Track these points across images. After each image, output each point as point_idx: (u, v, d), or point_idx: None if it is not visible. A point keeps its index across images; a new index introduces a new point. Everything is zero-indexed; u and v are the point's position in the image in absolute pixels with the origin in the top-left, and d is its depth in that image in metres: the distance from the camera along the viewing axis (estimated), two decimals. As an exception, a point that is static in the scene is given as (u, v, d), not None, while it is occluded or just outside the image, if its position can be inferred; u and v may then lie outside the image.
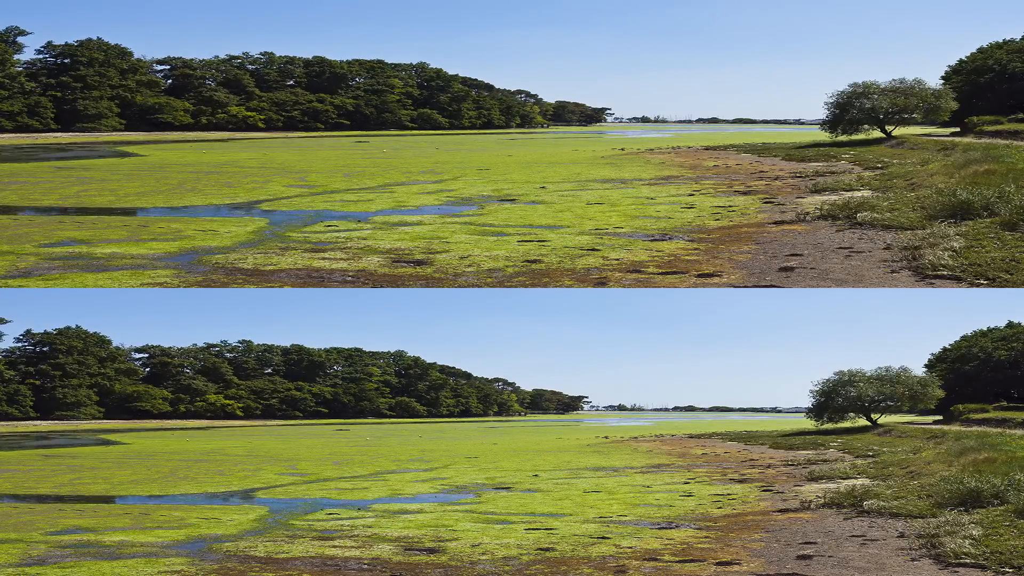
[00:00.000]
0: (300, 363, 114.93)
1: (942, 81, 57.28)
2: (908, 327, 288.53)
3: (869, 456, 28.30)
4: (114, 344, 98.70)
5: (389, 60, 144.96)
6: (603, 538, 13.97)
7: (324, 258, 16.72)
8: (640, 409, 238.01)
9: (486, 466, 29.78)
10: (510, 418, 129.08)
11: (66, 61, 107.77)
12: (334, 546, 13.59)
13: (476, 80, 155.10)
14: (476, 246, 17.81)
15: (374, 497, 20.74)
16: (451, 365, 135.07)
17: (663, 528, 14.93)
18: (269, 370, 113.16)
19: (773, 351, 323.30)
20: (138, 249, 17.76)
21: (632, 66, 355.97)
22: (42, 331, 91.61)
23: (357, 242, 18.56)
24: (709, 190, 27.68)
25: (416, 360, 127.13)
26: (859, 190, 24.90)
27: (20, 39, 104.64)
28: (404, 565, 12.06)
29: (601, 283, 14.37)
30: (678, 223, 20.34)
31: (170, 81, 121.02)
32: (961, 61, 58.40)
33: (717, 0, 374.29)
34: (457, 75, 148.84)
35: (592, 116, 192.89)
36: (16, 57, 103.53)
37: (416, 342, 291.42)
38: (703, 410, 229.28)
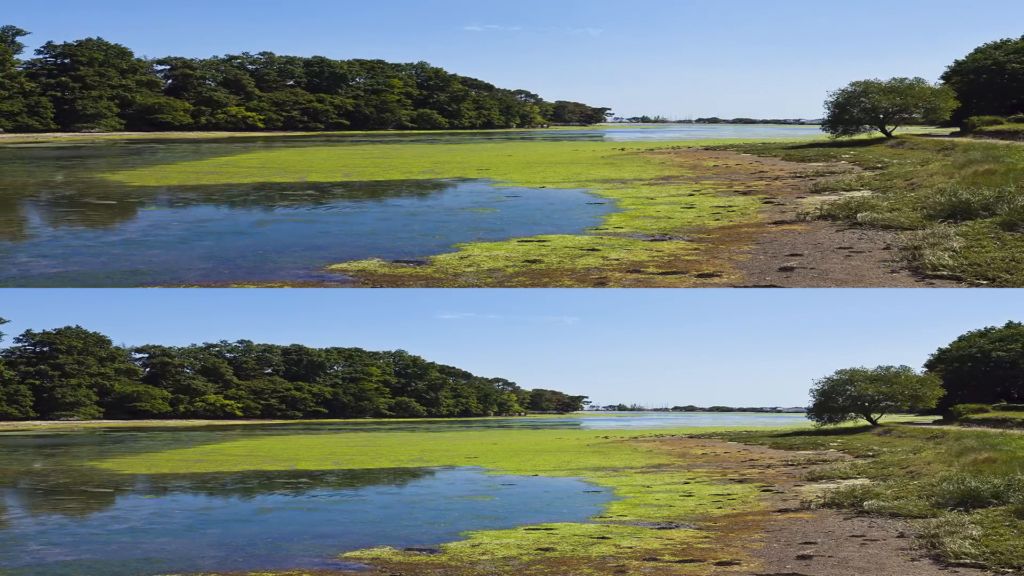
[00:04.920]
0: (300, 363, 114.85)
1: (942, 81, 57.29)
2: (908, 327, 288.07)
3: (869, 456, 28.30)
4: (114, 344, 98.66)
5: (389, 60, 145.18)
6: (603, 538, 13.97)
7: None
8: (640, 409, 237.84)
9: (486, 466, 29.77)
10: (510, 418, 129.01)
11: (66, 61, 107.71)
12: (334, 544, 13.59)
13: (476, 80, 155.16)
14: (476, 246, 17.80)
15: (374, 497, 20.72)
16: (451, 365, 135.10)
17: (663, 528, 14.92)
18: (269, 370, 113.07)
19: (773, 351, 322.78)
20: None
21: (632, 66, 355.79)
22: (42, 331, 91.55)
23: (357, 242, 18.56)
24: (709, 190, 27.67)
25: (416, 360, 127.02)
26: (859, 190, 24.90)
27: (20, 39, 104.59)
28: (404, 565, 12.05)
29: (601, 283, 14.36)
30: (678, 223, 20.34)
31: (170, 81, 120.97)
32: (960, 61, 58.42)
33: (718, 0, 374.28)
34: (456, 75, 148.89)
35: (592, 116, 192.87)
36: (16, 57, 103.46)
37: (416, 342, 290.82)
38: (703, 410, 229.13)
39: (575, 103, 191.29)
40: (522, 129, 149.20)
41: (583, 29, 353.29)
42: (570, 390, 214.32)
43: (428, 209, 25.66)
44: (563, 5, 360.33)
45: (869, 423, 45.86)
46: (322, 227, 21.13)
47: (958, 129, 48.53)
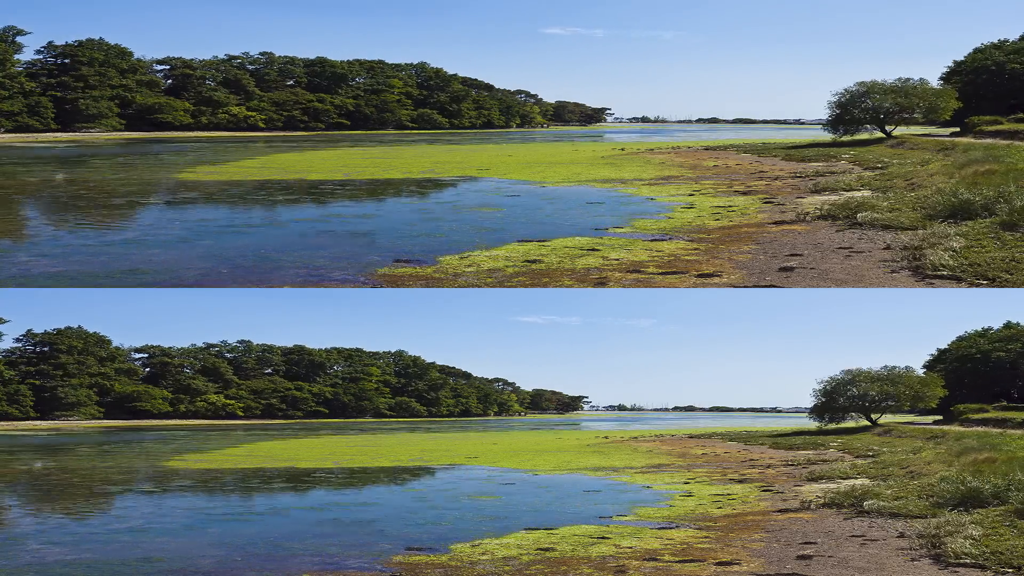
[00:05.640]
0: (300, 363, 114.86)
1: (941, 81, 57.30)
2: (908, 327, 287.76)
3: (869, 456, 28.30)
4: (114, 344, 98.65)
5: (389, 60, 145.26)
6: (603, 538, 13.97)
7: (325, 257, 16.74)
8: (640, 409, 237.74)
9: (486, 466, 29.78)
10: (510, 418, 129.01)
11: (66, 61, 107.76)
12: (334, 544, 13.60)
13: (476, 80, 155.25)
14: (476, 246, 17.80)
15: (374, 497, 20.72)
16: (451, 365, 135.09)
17: (663, 528, 14.92)
18: (269, 370, 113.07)
19: (773, 351, 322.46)
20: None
21: (632, 66, 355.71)
22: (42, 331, 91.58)
23: (357, 242, 18.56)
24: (709, 190, 27.67)
25: (416, 360, 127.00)
26: (859, 190, 24.90)
27: (20, 39, 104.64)
28: (404, 565, 12.06)
29: (601, 283, 14.36)
30: (678, 223, 20.34)
31: (170, 81, 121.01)
32: (960, 61, 58.42)
33: (717, 0, 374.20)
34: (457, 75, 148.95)
35: (592, 116, 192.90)
36: (16, 57, 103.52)
37: (416, 342, 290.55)
38: (703, 410, 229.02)
39: (575, 103, 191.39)
40: (522, 129, 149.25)
41: (657, 32, 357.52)
42: (570, 390, 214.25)
43: (428, 209, 25.66)
44: (635, 8, 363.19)
45: (869, 423, 45.86)
46: (324, 226, 21.16)
47: (958, 129, 48.52)
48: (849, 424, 46.43)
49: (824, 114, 51.31)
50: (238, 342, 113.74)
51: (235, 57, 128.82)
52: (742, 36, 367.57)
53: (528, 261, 16.03)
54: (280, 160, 49.35)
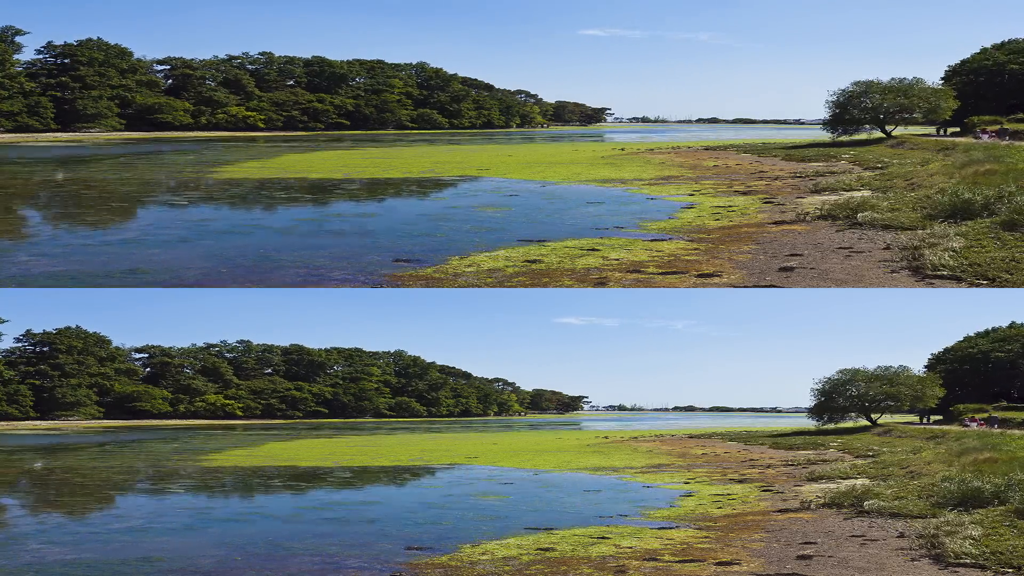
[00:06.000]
0: (300, 363, 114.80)
1: (942, 81, 57.29)
2: (908, 327, 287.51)
3: (869, 456, 28.29)
4: (114, 344, 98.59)
5: (389, 60, 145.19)
6: (603, 538, 13.96)
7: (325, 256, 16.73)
8: (640, 409, 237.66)
9: (486, 466, 29.76)
10: (510, 418, 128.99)
11: (66, 61, 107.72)
12: (334, 544, 13.59)
13: (476, 80, 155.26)
14: (475, 246, 17.79)
15: (374, 497, 20.70)
16: (451, 365, 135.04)
17: (663, 528, 14.92)
18: (269, 370, 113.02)
19: (773, 351, 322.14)
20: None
21: (632, 66, 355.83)
22: (42, 331, 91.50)
23: (357, 242, 18.55)
24: (709, 190, 27.67)
25: (416, 360, 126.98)
26: (859, 190, 24.90)
27: (19, 39, 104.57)
28: (404, 565, 12.05)
29: (601, 283, 14.36)
30: (678, 223, 20.33)
31: (170, 81, 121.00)
32: (961, 62, 58.42)
33: (717, 0, 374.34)
34: (457, 75, 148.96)
35: (592, 116, 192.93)
36: (16, 57, 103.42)
37: (416, 342, 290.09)
38: (703, 410, 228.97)
39: (575, 103, 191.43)
40: (522, 129, 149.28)
41: (693, 33, 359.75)
42: (570, 390, 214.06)
43: (428, 209, 25.66)
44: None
45: (869, 423, 45.86)
46: (324, 226, 21.16)
47: (958, 129, 48.52)
48: (849, 424, 46.42)
49: (824, 114, 51.36)
50: (238, 342, 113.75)
51: (235, 57, 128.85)
52: (742, 36, 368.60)
53: (528, 261, 16.03)
54: (280, 160, 49.37)
